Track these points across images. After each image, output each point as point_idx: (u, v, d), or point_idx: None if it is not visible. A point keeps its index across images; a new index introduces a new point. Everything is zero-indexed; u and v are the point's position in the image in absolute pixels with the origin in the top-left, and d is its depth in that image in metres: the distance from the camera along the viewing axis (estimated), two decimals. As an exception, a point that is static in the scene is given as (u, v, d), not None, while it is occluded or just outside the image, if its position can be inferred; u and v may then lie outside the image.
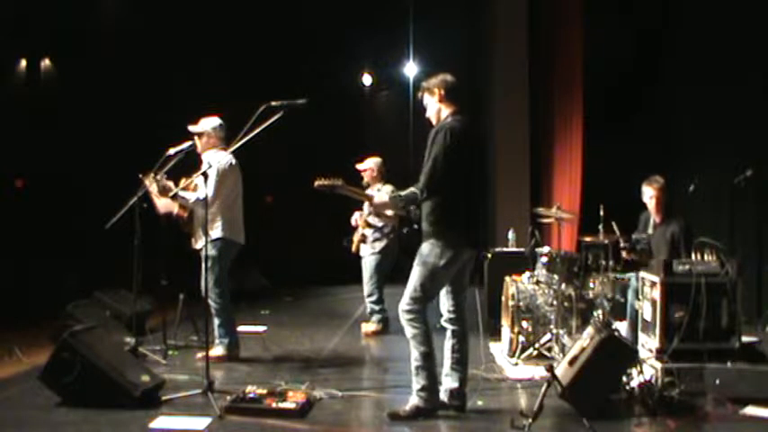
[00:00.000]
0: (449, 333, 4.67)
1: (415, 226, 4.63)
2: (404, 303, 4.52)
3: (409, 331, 4.51)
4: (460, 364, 4.63)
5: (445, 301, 4.68)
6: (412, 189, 4.49)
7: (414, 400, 4.51)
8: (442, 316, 4.71)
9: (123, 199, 5.74)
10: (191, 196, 5.75)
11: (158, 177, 5.72)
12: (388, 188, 7.13)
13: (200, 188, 5.63)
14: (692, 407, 4.68)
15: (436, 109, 4.66)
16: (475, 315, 4.88)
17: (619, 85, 9.45)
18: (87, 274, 8.19)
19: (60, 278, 8.35)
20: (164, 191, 5.74)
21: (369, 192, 7.17)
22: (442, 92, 4.62)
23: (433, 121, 4.67)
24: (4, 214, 8.48)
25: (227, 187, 5.87)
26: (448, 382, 4.63)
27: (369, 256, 7.38)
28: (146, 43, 9.47)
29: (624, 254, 6.16)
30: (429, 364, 4.49)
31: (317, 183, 4.83)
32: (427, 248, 4.49)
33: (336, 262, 9.94)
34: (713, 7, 8.09)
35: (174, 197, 5.76)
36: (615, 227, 6.10)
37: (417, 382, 4.50)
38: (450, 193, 4.45)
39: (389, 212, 6.30)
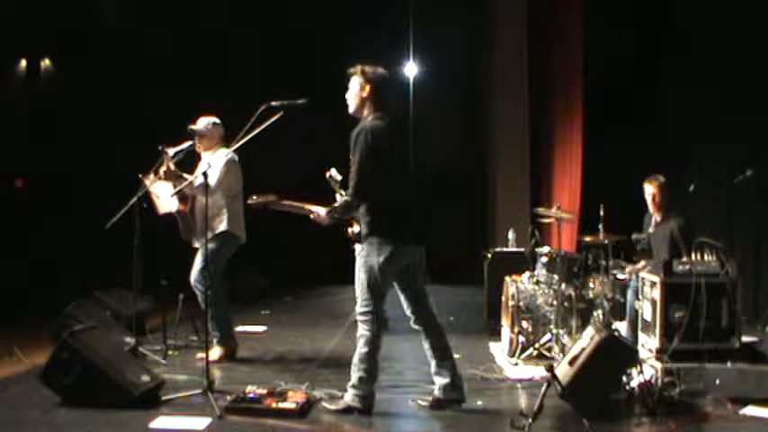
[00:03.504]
0: (422, 334, 4.68)
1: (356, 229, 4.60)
2: (358, 306, 4.55)
3: (360, 330, 4.55)
4: (445, 359, 4.63)
5: (404, 303, 4.70)
6: (345, 198, 4.51)
7: (346, 396, 4.56)
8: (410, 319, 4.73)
9: (123, 199, 5.74)
10: (195, 180, 5.68)
11: (169, 163, 5.66)
12: None
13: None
14: (692, 407, 4.67)
15: (358, 103, 4.62)
16: (470, 315, 4.87)
17: (619, 85, 9.43)
18: (87, 274, 8.19)
19: (60, 278, 8.35)
20: (169, 174, 5.66)
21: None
22: (372, 91, 4.59)
23: (351, 109, 4.64)
24: (4, 214, 8.48)
25: (231, 181, 5.85)
26: (439, 379, 4.63)
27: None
28: (146, 43, 9.48)
29: (628, 269, 6.16)
30: (367, 365, 4.49)
31: (249, 201, 4.82)
32: (366, 249, 4.51)
33: (336, 262, 9.92)
34: (714, 7, 8.08)
35: (179, 177, 5.65)
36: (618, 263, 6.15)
37: (352, 378, 4.54)
38: (378, 192, 4.44)
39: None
